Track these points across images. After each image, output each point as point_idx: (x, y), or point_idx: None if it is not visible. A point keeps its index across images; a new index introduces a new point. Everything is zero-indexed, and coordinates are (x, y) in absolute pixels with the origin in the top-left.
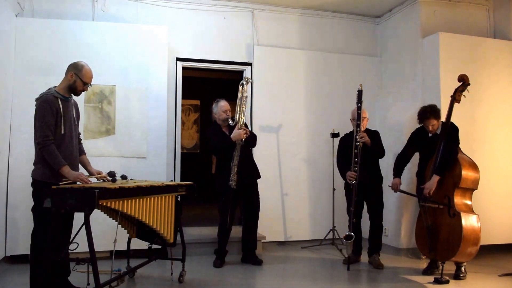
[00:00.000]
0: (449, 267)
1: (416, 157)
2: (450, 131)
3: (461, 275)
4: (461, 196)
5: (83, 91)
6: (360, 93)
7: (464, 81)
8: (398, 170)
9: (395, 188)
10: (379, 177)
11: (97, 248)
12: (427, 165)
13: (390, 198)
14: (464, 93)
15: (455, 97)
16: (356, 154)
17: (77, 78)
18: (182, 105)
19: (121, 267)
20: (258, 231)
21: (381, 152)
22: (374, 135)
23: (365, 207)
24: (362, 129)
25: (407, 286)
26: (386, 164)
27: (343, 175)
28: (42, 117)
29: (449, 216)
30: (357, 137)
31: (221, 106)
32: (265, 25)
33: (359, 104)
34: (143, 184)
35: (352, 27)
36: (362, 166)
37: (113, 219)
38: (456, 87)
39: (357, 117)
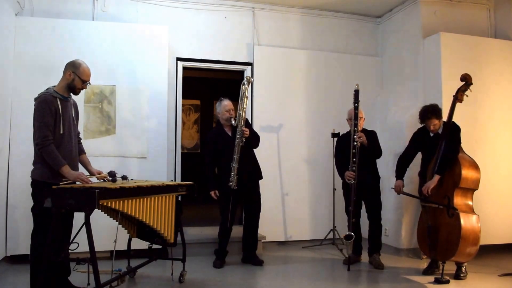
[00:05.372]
0: (449, 267)
1: (418, 157)
2: (452, 131)
3: (461, 275)
4: (462, 196)
5: (82, 89)
6: (356, 93)
7: (466, 80)
8: (400, 172)
9: (398, 190)
10: (377, 177)
11: (97, 248)
12: (429, 164)
13: (390, 198)
14: (466, 92)
15: (458, 97)
16: (354, 154)
17: (75, 76)
18: (183, 105)
19: (121, 267)
20: (259, 231)
21: (378, 152)
22: (371, 135)
23: (364, 207)
24: (359, 129)
25: (408, 286)
26: (385, 164)
27: (341, 175)
28: (41, 117)
29: (448, 216)
30: (355, 137)
31: (225, 106)
32: (266, 25)
33: (356, 104)
34: (143, 184)
35: (353, 27)
36: (360, 166)
37: (113, 219)
38: (458, 87)
39: (354, 117)
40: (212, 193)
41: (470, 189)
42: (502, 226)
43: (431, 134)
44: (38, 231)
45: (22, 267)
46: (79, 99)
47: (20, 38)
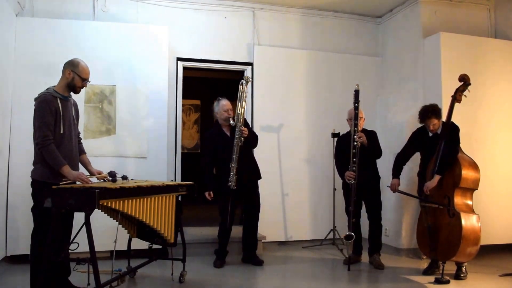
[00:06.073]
0: (450, 267)
1: (417, 157)
2: (451, 131)
3: (461, 275)
4: (462, 196)
5: (82, 87)
6: (357, 93)
7: (465, 80)
8: (397, 170)
9: (394, 188)
10: (377, 177)
11: (97, 248)
12: (428, 165)
13: (390, 198)
14: (465, 93)
15: (456, 97)
16: (354, 154)
17: (75, 74)
18: (183, 105)
19: (121, 267)
20: (259, 231)
21: (378, 152)
22: (371, 135)
23: (364, 207)
24: (359, 129)
25: (408, 286)
26: (386, 164)
27: (341, 175)
28: (41, 116)
29: (448, 216)
30: (355, 137)
31: (223, 105)
32: (266, 25)
33: (356, 104)
34: (143, 184)
35: (353, 27)
36: (360, 166)
37: (113, 219)
38: (457, 87)
39: (355, 117)
40: (206, 194)
41: (470, 189)
42: (502, 226)
43: (430, 134)
44: (38, 231)
45: (22, 267)
46: (79, 99)
47: (20, 39)
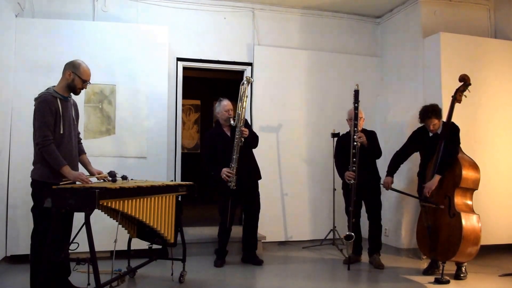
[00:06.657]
0: (449, 267)
1: (417, 157)
2: (451, 131)
3: (461, 275)
4: (462, 196)
5: (83, 89)
6: (356, 93)
7: (465, 81)
8: (392, 168)
9: (387, 186)
10: (376, 177)
11: (97, 248)
12: (428, 165)
13: (390, 198)
14: (465, 93)
15: (456, 97)
16: (354, 154)
17: (75, 76)
18: (183, 105)
19: (121, 267)
20: (259, 231)
21: (377, 152)
22: (370, 135)
23: (364, 207)
24: (359, 129)
25: (408, 286)
26: (385, 164)
27: (341, 175)
28: (41, 117)
29: (449, 216)
30: (355, 137)
31: (224, 106)
32: (266, 25)
33: (356, 104)
34: (143, 184)
35: (353, 27)
36: (360, 166)
37: (113, 219)
38: (457, 87)
39: (354, 117)
40: (224, 170)
41: (470, 189)
42: (502, 226)
43: (430, 134)
44: (38, 231)
45: (22, 267)
46: (79, 99)
47: (20, 39)
